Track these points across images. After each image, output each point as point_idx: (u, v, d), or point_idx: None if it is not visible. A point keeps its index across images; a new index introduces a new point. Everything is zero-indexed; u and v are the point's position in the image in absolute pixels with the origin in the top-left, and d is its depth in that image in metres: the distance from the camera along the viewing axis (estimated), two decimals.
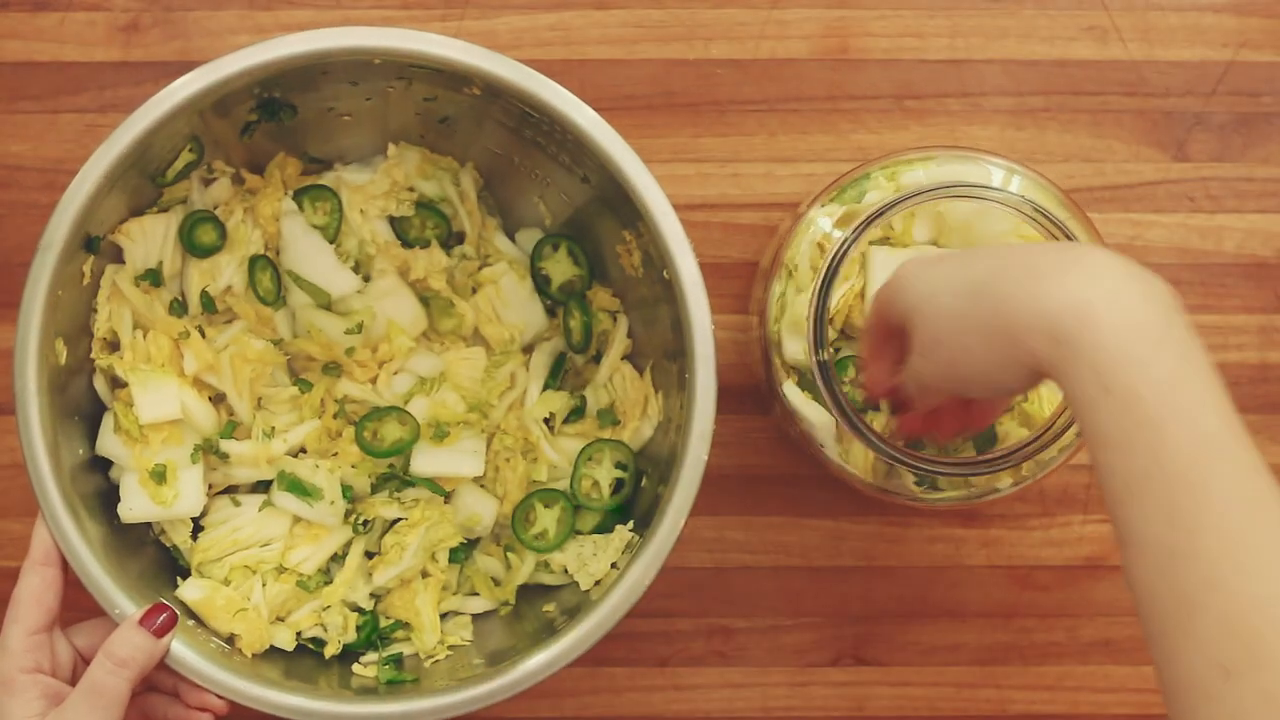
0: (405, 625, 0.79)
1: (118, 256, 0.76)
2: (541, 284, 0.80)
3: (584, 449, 0.79)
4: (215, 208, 0.78)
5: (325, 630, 0.78)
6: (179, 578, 0.76)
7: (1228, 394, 0.56)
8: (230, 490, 0.78)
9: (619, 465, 0.78)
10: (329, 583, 0.78)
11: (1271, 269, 0.85)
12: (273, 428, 0.77)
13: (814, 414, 0.74)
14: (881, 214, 0.70)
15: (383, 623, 0.79)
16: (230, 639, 0.75)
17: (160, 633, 0.69)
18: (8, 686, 0.67)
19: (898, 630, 0.84)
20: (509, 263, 0.80)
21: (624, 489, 0.78)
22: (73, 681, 0.69)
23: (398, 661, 0.78)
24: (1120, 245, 0.84)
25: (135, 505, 0.75)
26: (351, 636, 0.78)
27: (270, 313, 0.78)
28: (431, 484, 0.78)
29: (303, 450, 0.78)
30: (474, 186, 0.80)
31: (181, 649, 0.70)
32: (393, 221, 0.80)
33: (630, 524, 0.76)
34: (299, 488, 0.76)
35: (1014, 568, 0.85)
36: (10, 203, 0.83)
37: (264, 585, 0.76)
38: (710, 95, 0.84)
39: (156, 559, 0.77)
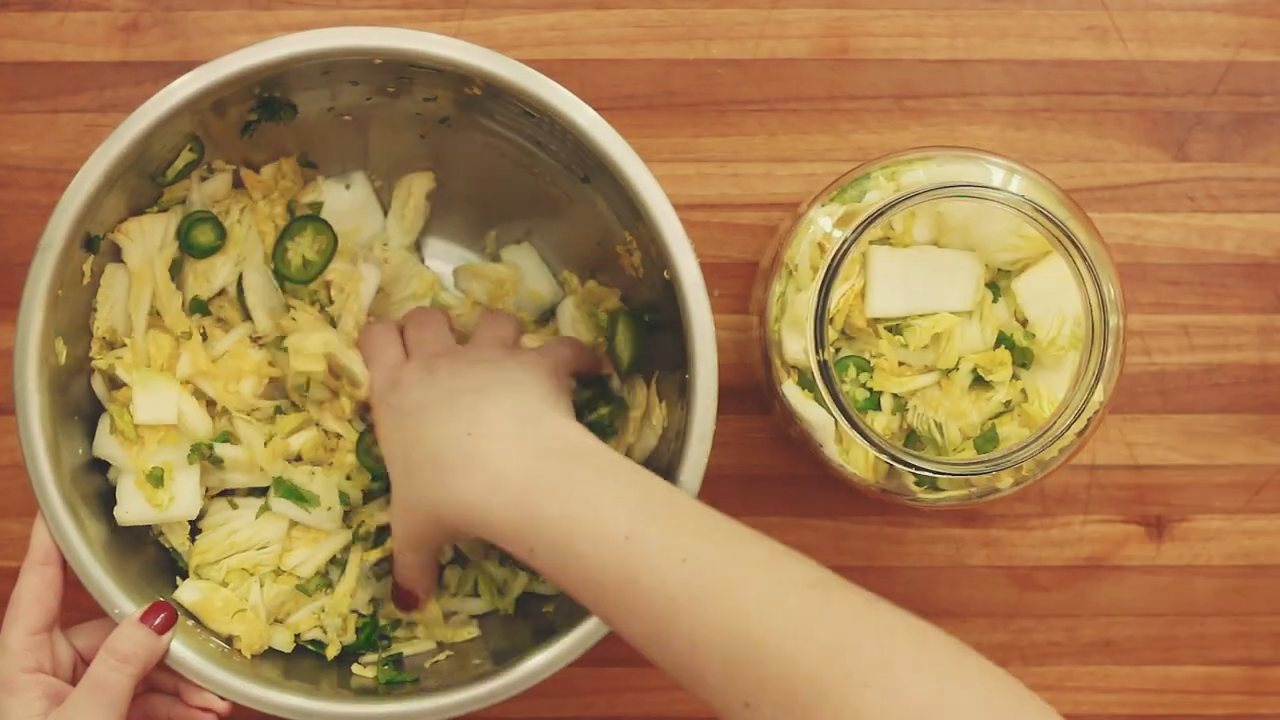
0: (410, 624, 0.79)
1: (117, 256, 0.76)
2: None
3: None
4: (214, 204, 0.78)
5: (325, 632, 0.78)
6: (178, 578, 0.76)
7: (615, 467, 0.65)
8: (228, 493, 0.78)
9: None
10: (328, 585, 0.78)
11: (1271, 269, 0.85)
12: (270, 436, 0.77)
13: (814, 414, 0.74)
14: (881, 214, 0.70)
15: (382, 622, 0.79)
16: (229, 640, 0.75)
17: (161, 630, 0.69)
18: (8, 686, 0.67)
19: None
20: None
21: None
22: (73, 682, 0.69)
23: (397, 662, 0.78)
24: (1120, 245, 0.84)
25: (131, 508, 0.75)
26: (351, 638, 0.78)
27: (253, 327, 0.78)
28: None
29: (299, 458, 0.78)
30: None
31: (181, 649, 0.70)
32: None
33: None
34: (295, 494, 0.76)
35: (1014, 568, 0.85)
36: (10, 202, 0.83)
37: (261, 587, 0.76)
38: (710, 95, 0.84)
39: (156, 559, 0.77)
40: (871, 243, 0.75)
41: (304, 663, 0.77)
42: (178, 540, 0.77)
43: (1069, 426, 0.69)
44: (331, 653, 0.77)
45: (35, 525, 0.70)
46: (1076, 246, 0.69)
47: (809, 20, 0.84)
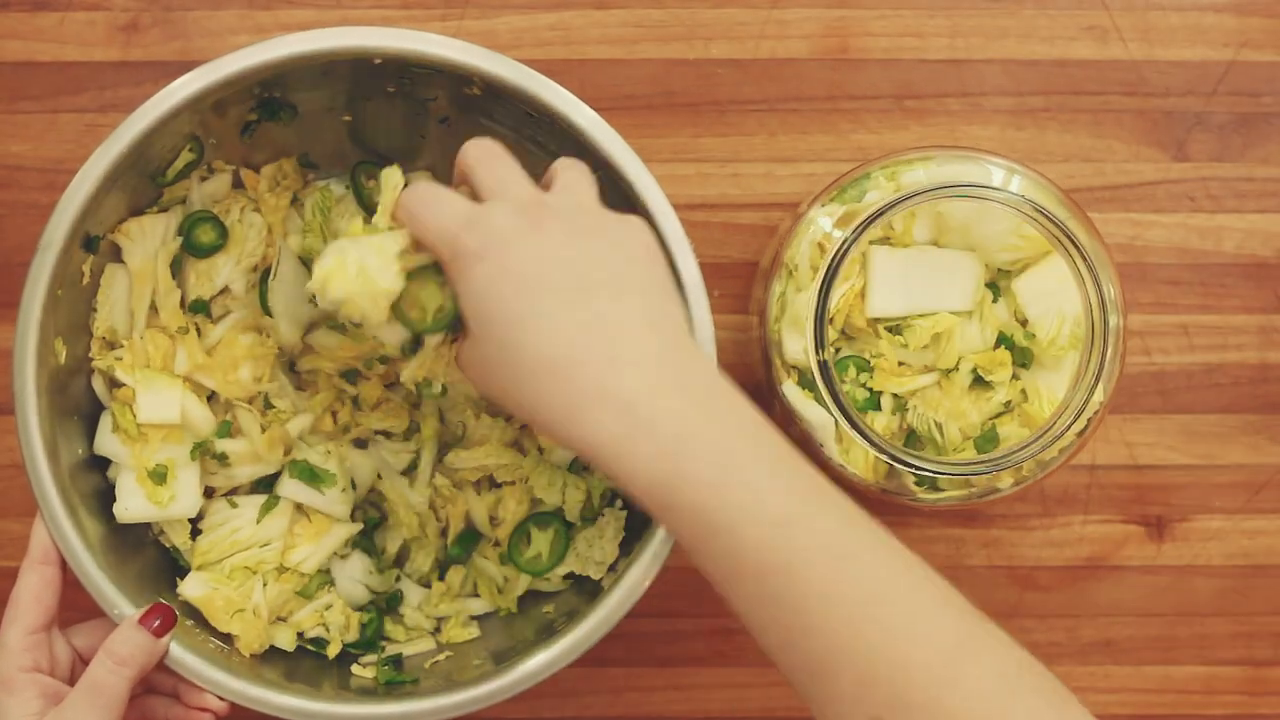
0: (408, 624, 0.79)
1: (117, 256, 0.76)
2: None
3: (576, 458, 0.79)
4: (214, 204, 0.78)
5: (327, 630, 0.78)
6: (178, 578, 0.76)
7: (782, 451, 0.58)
8: (229, 493, 0.78)
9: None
10: (329, 583, 0.78)
11: (1271, 269, 0.85)
12: (269, 423, 0.77)
13: (814, 414, 0.74)
14: (881, 214, 0.70)
15: (387, 628, 0.79)
16: (228, 639, 0.75)
17: (160, 633, 0.69)
18: (6, 685, 0.67)
19: None
20: None
21: (616, 500, 0.78)
22: (71, 682, 0.69)
23: (397, 662, 0.78)
24: (1120, 245, 0.84)
25: (131, 505, 0.75)
26: (354, 635, 0.78)
27: (272, 321, 0.78)
28: None
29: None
30: None
31: (180, 650, 0.70)
32: None
33: (619, 503, 0.77)
34: (310, 474, 0.76)
35: (1014, 568, 0.85)
36: (10, 202, 0.83)
37: (264, 585, 0.76)
38: (710, 95, 0.84)
39: (156, 559, 0.77)
40: (871, 243, 0.75)
41: (304, 663, 0.77)
42: (179, 539, 0.77)
43: (1069, 426, 0.69)
44: (333, 651, 0.77)
45: (35, 525, 0.70)
46: (1076, 246, 0.69)
47: (809, 20, 0.84)
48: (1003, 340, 0.75)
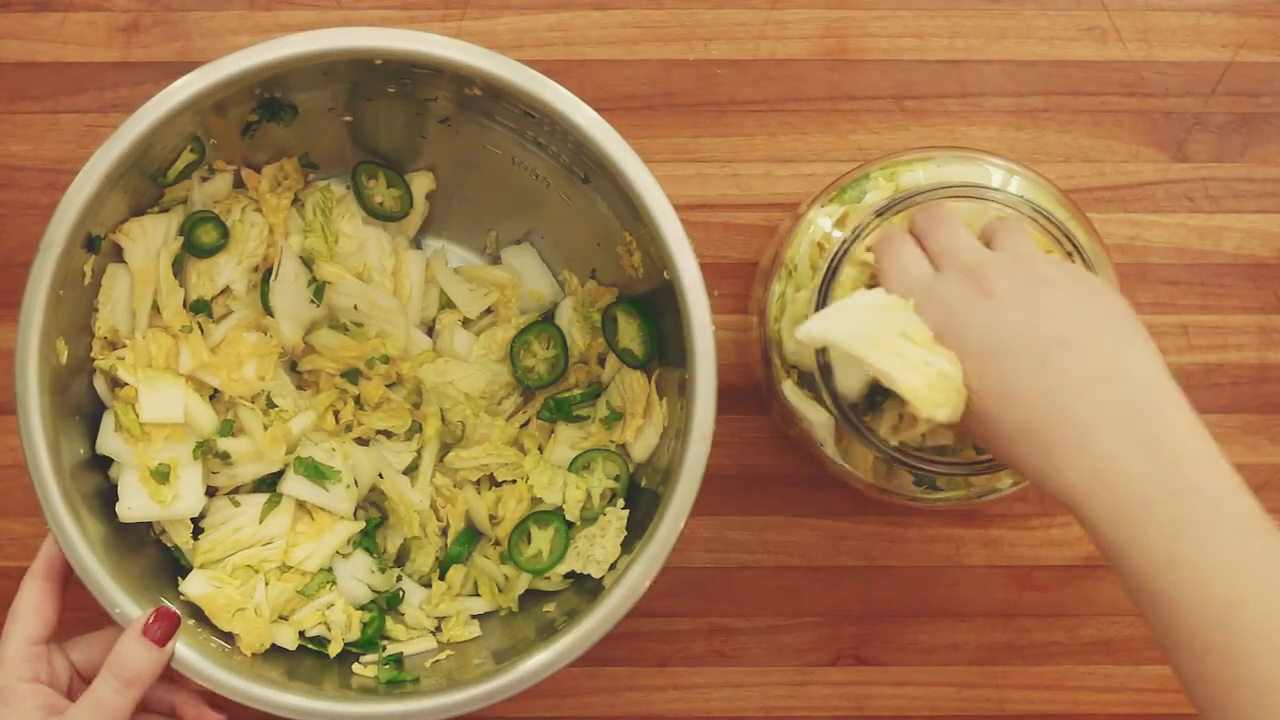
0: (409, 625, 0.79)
1: (118, 256, 0.76)
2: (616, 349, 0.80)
3: (576, 458, 0.79)
4: (215, 204, 0.78)
5: (329, 628, 0.78)
6: (180, 577, 0.76)
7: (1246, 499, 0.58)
8: (232, 492, 0.78)
9: (614, 476, 0.78)
10: (331, 582, 0.78)
11: (1271, 269, 0.85)
12: (271, 421, 0.77)
13: (814, 414, 0.74)
14: (881, 214, 0.70)
15: (389, 627, 0.79)
16: (230, 638, 0.75)
17: (162, 641, 0.68)
18: (5, 695, 0.67)
19: (897, 630, 0.84)
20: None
21: (617, 500, 0.78)
22: (68, 696, 0.69)
23: (398, 661, 0.78)
24: (1120, 245, 0.84)
25: (134, 504, 0.75)
26: (355, 634, 0.78)
27: (273, 321, 0.78)
28: None
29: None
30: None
31: (183, 650, 0.70)
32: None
33: (620, 502, 0.77)
34: (315, 470, 0.76)
35: (1014, 568, 0.85)
36: (11, 203, 0.83)
37: (266, 584, 0.76)
38: (710, 95, 0.84)
39: (157, 558, 0.77)
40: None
41: (305, 662, 0.77)
42: (180, 538, 0.77)
43: None
44: (334, 650, 0.77)
45: (46, 540, 0.70)
46: (1076, 247, 0.69)
47: (809, 21, 0.84)
48: None
